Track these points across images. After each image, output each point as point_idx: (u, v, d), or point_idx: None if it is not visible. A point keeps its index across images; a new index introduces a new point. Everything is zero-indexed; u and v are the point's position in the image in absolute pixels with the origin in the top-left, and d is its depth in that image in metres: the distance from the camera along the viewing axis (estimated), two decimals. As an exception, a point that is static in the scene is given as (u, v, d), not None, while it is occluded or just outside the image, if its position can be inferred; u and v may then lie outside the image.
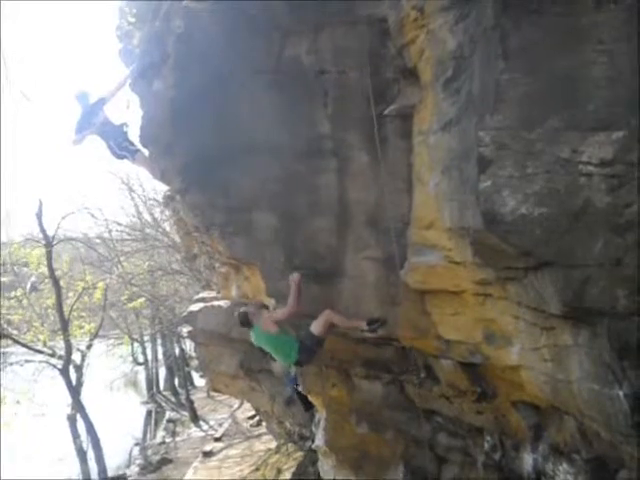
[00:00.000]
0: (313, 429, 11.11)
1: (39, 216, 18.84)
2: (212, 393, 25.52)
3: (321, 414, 9.52)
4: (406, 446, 8.32)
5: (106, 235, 25.19)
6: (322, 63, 6.49)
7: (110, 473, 20.66)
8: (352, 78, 6.39)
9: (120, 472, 22.82)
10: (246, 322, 6.82)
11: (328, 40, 6.42)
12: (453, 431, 7.65)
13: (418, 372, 7.30)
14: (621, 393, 4.14)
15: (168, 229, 22.07)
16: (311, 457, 12.61)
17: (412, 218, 5.99)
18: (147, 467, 22.92)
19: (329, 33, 6.40)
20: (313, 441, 10.20)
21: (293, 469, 14.54)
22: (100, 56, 56.53)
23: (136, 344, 33.97)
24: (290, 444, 15.40)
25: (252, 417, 22.06)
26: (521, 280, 4.58)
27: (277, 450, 16.82)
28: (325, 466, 9.84)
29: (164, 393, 34.47)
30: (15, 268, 20.48)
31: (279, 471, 15.28)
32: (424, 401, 7.46)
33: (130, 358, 35.59)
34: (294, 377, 7.14)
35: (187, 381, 31.71)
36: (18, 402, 19.29)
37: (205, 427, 26.03)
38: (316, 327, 6.51)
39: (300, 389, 7.40)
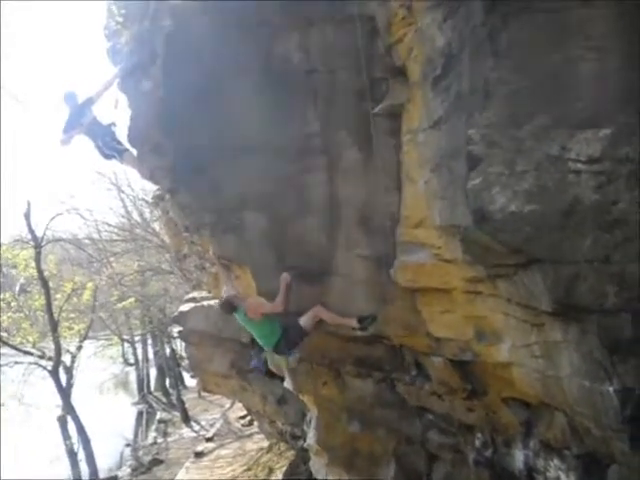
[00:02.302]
0: (305, 428, 11.10)
1: (27, 217, 18.75)
2: (203, 393, 25.47)
3: (312, 413, 9.51)
4: (397, 444, 8.31)
5: (95, 236, 25.13)
6: (312, 62, 6.45)
7: (101, 474, 20.62)
8: (341, 77, 6.36)
9: (112, 473, 22.80)
10: (230, 309, 6.86)
11: (317, 38, 6.38)
12: (444, 428, 7.64)
13: (409, 370, 7.29)
14: (611, 389, 4.16)
15: (158, 229, 21.99)
16: (303, 456, 12.61)
17: (401, 216, 5.99)
18: (138, 468, 22.89)
19: (318, 31, 6.36)
20: (305, 440, 10.19)
21: (285, 468, 14.55)
22: (88, 55, 56.23)
23: (126, 345, 33.93)
24: (282, 443, 15.41)
25: (244, 417, 22.05)
26: (511, 277, 4.59)
27: (269, 449, 16.83)
28: (317, 465, 9.83)
29: (155, 394, 34.38)
30: (4, 270, 20.35)
31: (271, 470, 15.29)
32: (415, 399, 7.46)
33: (120, 359, 35.55)
34: (259, 355, 7.34)
35: (178, 381, 31.64)
36: (3, 405, 19.19)
37: (196, 427, 26.00)
38: (304, 320, 6.59)
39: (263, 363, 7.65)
